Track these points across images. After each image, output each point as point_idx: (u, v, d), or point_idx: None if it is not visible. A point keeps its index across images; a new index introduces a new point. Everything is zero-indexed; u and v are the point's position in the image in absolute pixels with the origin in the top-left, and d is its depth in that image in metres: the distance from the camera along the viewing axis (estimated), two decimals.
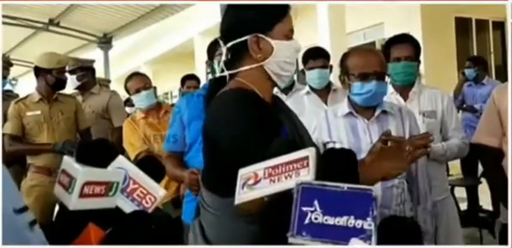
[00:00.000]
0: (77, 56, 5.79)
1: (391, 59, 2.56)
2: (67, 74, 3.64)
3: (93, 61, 4.31)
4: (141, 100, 3.14)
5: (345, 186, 0.90)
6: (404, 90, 2.64)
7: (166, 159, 2.44)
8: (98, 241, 1.03)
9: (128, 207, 1.20)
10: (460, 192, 4.71)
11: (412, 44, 2.61)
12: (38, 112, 3.43)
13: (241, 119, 1.33)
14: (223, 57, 1.46)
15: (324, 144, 2.15)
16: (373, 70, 2.05)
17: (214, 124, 1.40)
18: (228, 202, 1.35)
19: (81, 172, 1.11)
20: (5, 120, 3.48)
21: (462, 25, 8.30)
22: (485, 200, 4.55)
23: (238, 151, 1.26)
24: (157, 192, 1.24)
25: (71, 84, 3.87)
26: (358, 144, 2.07)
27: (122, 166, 1.23)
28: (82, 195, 1.11)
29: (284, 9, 1.47)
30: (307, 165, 0.97)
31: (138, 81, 3.20)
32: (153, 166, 1.33)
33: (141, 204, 1.21)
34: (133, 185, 1.22)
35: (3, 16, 6.47)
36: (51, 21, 7.56)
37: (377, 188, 1.29)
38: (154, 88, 3.32)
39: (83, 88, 4.04)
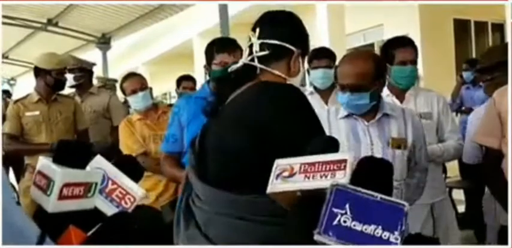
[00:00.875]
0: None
1: (395, 61, 2.55)
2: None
3: (94, 64, 4.33)
4: (137, 101, 3.10)
5: (379, 195, 0.91)
6: (400, 92, 2.64)
7: (164, 160, 2.43)
8: (79, 242, 1.01)
9: (106, 208, 1.17)
10: (458, 194, 4.71)
11: (413, 47, 2.61)
12: (37, 112, 3.43)
13: (307, 118, 1.37)
14: (257, 49, 1.50)
15: None
16: (346, 82, 2.05)
17: (270, 117, 1.36)
18: (242, 199, 1.28)
19: (60, 174, 1.08)
20: (3, 120, 3.48)
21: (461, 27, 8.30)
22: None
23: (295, 151, 1.16)
24: (136, 192, 1.21)
25: (67, 82, 3.85)
26: (358, 146, 2.07)
27: (100, 167, 1.21)
28: (61, 197, 1.08)
29: None
30: (344, 168, 0.98)
31: (134, 81, 3.14)
32: (132, 166, 1.30)
33: (120, 204, 1.19)
34: (112, 185, 1.20)
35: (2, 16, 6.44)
36: (49, 21, 7.51)
37: None
38: (150, 89, 3.27)
39: (80, 89, 4.05)
